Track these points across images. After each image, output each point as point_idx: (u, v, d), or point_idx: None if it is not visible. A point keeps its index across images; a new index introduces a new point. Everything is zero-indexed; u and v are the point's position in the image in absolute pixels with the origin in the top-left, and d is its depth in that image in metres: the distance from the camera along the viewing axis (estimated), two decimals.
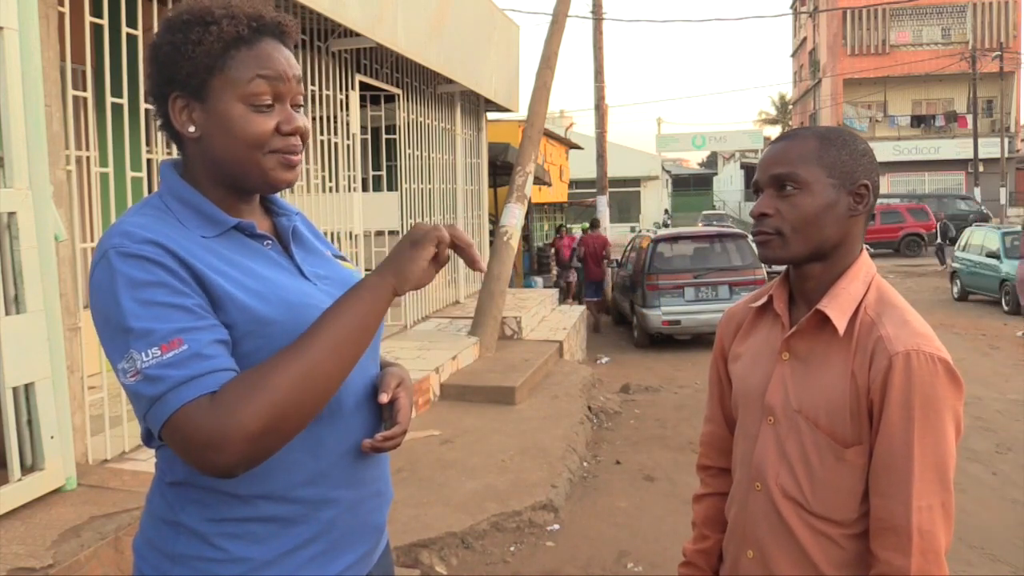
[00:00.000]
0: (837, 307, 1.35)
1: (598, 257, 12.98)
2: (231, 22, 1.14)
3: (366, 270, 7.00)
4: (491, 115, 11.80)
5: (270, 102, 1.16)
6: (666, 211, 41.88)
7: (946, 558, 1.27)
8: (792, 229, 1.36)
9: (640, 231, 19.20)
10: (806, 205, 1.35)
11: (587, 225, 14.46)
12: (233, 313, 1.11)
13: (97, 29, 3.80)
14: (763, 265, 10.26)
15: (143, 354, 1.03)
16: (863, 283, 1.38)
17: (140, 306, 1.04)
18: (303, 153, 1.22)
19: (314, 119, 6.54)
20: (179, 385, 1.02)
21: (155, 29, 1.20)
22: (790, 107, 52.13)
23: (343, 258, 1.41)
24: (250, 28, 1.16)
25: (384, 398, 1.23)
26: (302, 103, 1.22)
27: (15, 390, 2.84)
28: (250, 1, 1.19)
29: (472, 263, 1.21)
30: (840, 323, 1.34)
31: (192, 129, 1.17)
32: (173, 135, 1.21)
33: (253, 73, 1.15)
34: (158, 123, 1.22)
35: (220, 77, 1.15)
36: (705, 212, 39.64)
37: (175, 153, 1.33)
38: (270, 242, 1.25)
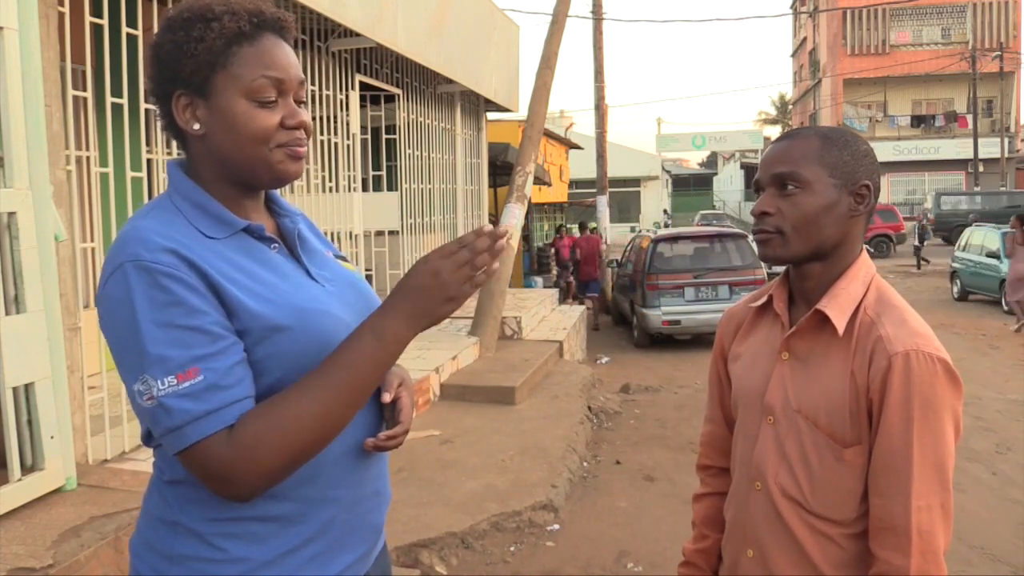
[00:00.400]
0: (837, 307, 1.35)
1: (593, 257, 13.60)
2: (232, 18, 1.15)
3: (366, 270, 7.01)
4: (491, 115, 11.80)
5: (274, 97, 1.17)
6: (665, 211, 41.85)
7: (946, 558, 1.27)
8: (792, 228, 1.36)
9: (640, 231, 19.37)
10: (807, 204, 1.35)
11: (592, 226, 15.23)
12: (246, 321, 1.11)
13: (97, 29, 3.80)
14: (763, 265, 10.32)
15: (159, 382, 1.04)
16: (863, 283, 1.38)
17: (156, 328, 1.04)
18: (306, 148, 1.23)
19: (314, 119, 6.53)
20: (197, 420, 1.04)
21: (155, 29, 1.20)
22: (790, 107, 52.13)
23: (344, 258, 1.41)
24: (251, 24, 1.16)
25: (387, 397, 1.23)
26: (304, 99, 1.23)
27: (15, 390, 2.84)
28: None
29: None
30: (840, 323, 1.34)
31: (197, 127, 1.17)
32: (177, 134, 1.21)
33: (257, 71, 1.15)
34: (162, 123, 1.22)
35: (223, 73, 1.15)
36: (703, 212, 39.49)
37: (175, 153, 1.34)
38: (277, 245, 1.25)
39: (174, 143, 1.24)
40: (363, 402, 1.13)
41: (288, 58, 1.19)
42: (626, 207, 40.70)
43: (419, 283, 1.12)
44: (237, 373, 1.08)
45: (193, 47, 1.14)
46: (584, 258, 13.73)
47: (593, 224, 15.35)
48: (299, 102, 1.21)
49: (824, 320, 1.36)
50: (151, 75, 1.20)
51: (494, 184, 13.91)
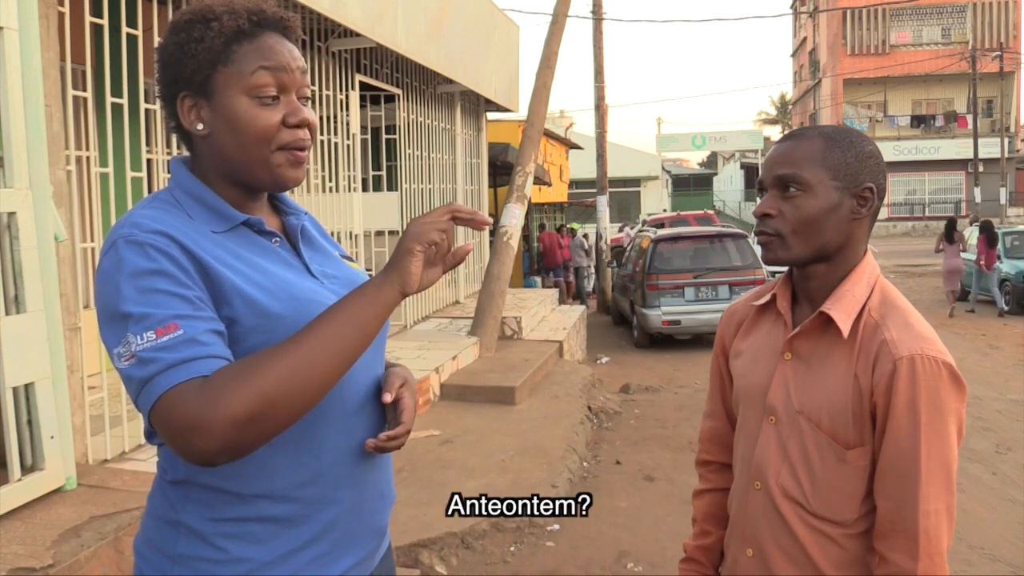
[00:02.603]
0: (841, 309, 1.35)
1: (554, 249, 16.40)
2: (231, 17, 1.16)
3: (366, 271, 7.00)
4: (491, 115, 11.80)
5: (275, 93, 1.17)
6: (664, 211, 41.77)
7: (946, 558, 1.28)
8: (792, 231, 1.35)
9: (628, 228, 19.87)
10: (808, 207, 1.34)
11: (545, 224, 18.34)
12: (239, 306, 1.11)
13: (97, 29, 3.79)
14: (763, 265, 10.32)
15: (139, 337, 1.03)
16: (867, 285, 1.38)
17: (141, 293, 1.04)
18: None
19: None
20: (169, 368, 1.01)
21: (155, 29, 1.21)
22: (790, 107, 52.12)
23: (350, 259, 1.40)
24: (251, 22, 1.17)
25: (388, 398, 1.23)
26: (308, 95, 1.22)
27: (15, 390, 2.84)
28: None
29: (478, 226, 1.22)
30: (844, 326, 1.33)
31: (201, 127, 1.18)
32: (183, 135, 1.22)
33: (256, 64, 1.15)
34: (171, 125, 1.22)
35: (223, 71, 1.15)
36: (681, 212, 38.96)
37: (175, 152, 1.34)
38: (278, 239, 1.25)
39: (174, 143, 1.25)
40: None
41: (289, 54, 1.19)
42: (626, 207, 40.64)
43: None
44: (216, 338, 1.06)
45: (194, 47, 1.15)
46: (545, 250, 16.49)
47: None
48: (303, 99, 1.21)
49: (828, 322, 1.36)
50: (157, 78, 1.21)
51: (494, 184, 13.92)
